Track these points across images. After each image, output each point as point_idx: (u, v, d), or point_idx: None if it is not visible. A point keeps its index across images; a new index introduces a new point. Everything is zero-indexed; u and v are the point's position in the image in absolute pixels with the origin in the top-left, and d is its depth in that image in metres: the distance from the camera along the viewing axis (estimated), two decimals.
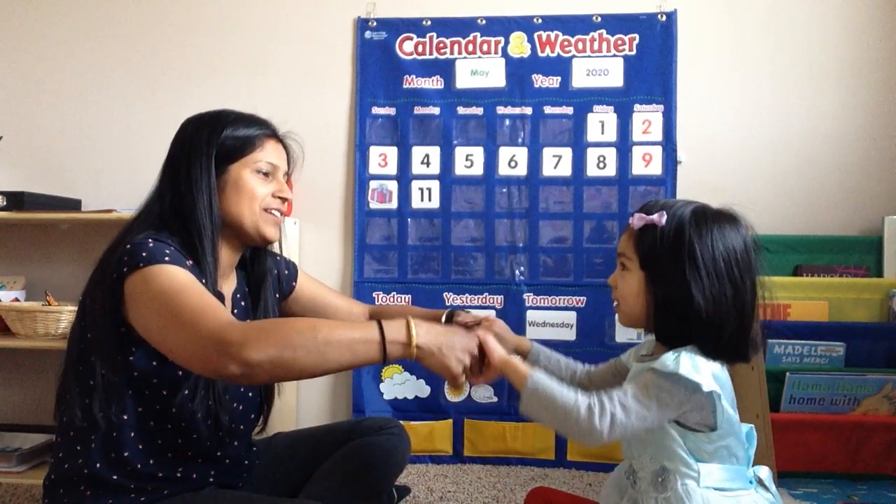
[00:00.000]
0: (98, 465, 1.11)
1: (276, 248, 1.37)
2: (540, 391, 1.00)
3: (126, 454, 1.12)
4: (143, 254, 1.06)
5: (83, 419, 1.11)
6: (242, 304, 1.32)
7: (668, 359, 0.96)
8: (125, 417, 1.12)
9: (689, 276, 0.97)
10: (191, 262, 1.12)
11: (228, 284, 1.29)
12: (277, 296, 1.41)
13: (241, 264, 1.34)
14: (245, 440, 1.32)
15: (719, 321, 0.97)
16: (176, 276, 1.05)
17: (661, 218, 1.02)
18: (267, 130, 1.28)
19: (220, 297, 1.20)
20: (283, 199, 1.27)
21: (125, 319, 1.08)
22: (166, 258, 1.07)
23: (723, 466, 1.00)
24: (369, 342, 1.01)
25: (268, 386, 1.36)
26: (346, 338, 0.99)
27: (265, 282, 1.35)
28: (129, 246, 1.08)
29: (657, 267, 1.01)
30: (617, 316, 1.11)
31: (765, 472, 1.06)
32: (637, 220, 1.04)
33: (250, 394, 1.29)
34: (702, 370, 0.96)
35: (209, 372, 0.99)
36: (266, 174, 1.25)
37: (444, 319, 1.35)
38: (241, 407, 1.26)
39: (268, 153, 1.25)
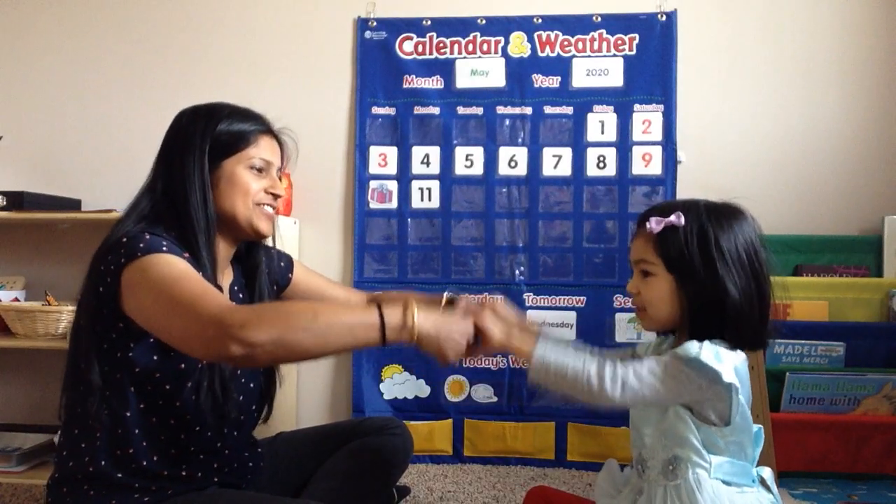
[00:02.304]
0: (103, 462, 1.11)
1: (269, 242, 1.37)
2: (548, 360, 1.01)
3: (130, 451, 1.12)
4: (141, 244, 1.06)
5: (86, 416, 1.12)
6: (240, 296, 1.32)
7: (692, 345, 0.97)
8: (128, 414, 1.12)
9: (722, 272, 0.99)
10: (187, 255, 1.12)
11: (225, 278, 1.29)
12: (275, 288, 1.41)
13: (237, 258, 1.34)
14: (247, 433, 1.32)
15: (749, 311, 1.00)
16: (174, 264, 1.05)
17: (679, 219, 1.02)
18: (262, 126, 1.27)
19: (219, 290, 1.20)
20: (276, 196, 1.27)
21: (123, 313, 1.08)
22: (164, 248, 1.07)
23: (732, 461, 1.01)
24: (369, 326, 1.01)
25: (269, 376, 1.36)
26: (346, 321, 1.00)
27: (258, 274, 1.35)
28: (125, 239, 1.08)
29: (686, 267, 1.02)
30: (640, 322, 1.11)
31: (767, 472, 1.07)
32: (655, 224, 1.03)
33: (251, 384, 1.29)
34: (724, 361, 0.97)
35: (210, 354, 0.99)
36: (260, 170, 1.25)
37: (443, 303, 1.34)
38: (242, 398, 1.26)
39: (262, 149, 1.25)
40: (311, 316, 0.98)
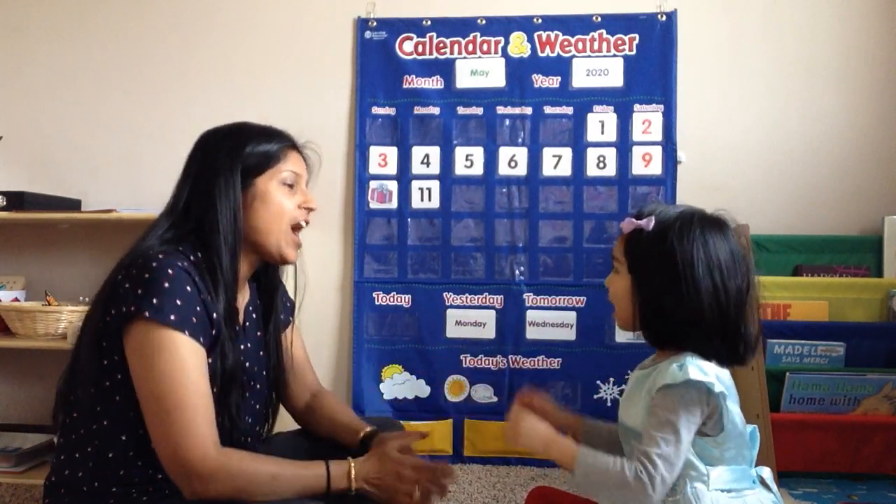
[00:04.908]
0: (96, 484, 1.11)
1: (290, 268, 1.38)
2: (589, 471, 1.00)
3: (122, 472, 1.12)
4: (154, 300, 1.06)
5: (80, 426, 1.12)
6: (254, 316, 1.32)
7: (675, 371, 0.98)
8: (123, 438, 1.11)
9: (669, 280, 1.00)
10: (200, 277, 1.13)
11: (242, 297, 1.29)
12: (282, 316, 1.42)
13: (254, 277, 1.34)
14: (250, 449, 1.32)
15: (701, 324, 0.99)
16: (178, 359, 1.06)
17: (648, 223, 1.04)
18: (287, 142, 1.29)
19: (235, 311, 1.20)
20: (310, 210, 1.29)
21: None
22: (172, 317, 1.06)
23: (730, 468, 1.01)
24: (318, 488, 1.13)
25: (274, 399, 1.38)
26: (299, 484, 1.11)
27: (277, 296, 1.36)
28: (147, 275, 1.07)
29: (641, 270, 1.05)
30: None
31: (766, 472, 1.07)
32: (626, 225, 1.07)
33: (258, 406, 1.30)
34: (709, 372, 0.98)
35: (168, 473, 1.06)
36: (290, 185, 1.26)
37: (360, 438, 1.32)
38: (249, 419, 1.26)
39: (290, 164, 1.26)
40: (270, 481, 1.09)
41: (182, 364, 1.06)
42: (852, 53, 2.25)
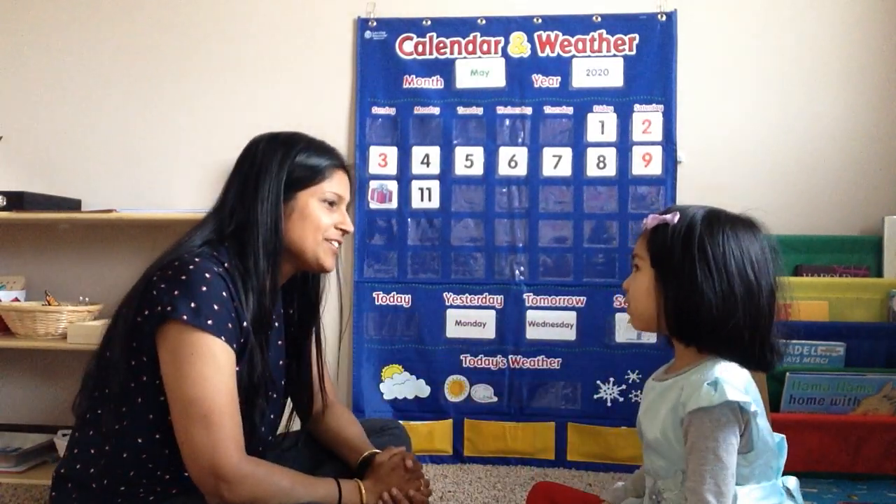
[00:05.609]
0: (105, 481, 1.11)
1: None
2: None
3: (132, 473, 1.12)
4: (192, 304, 1.06)
5: (99, 423, 1.12)
6: (276, 324, 1.31)
7: (709, 393, 0.94)
8: (139, 441, 1.11)
9: (699, 271, 0.97)
10: (233, 284, 1.13)
11: None
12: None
13: (284, 285, 1.34)
14: (262, 458, 1.32)
15: (730, 319, 0.97)
16: (214, 364, 1.06)
17: (673, 217, 1.02)
18: (336, 161, 1.30)
19: (268, 320, 1.21)
20: (344, 232, 1.29)
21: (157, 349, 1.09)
22: (209, 322, 1.06)
23: (760, 486, 0.98)
24: (330, 501, 1.17)
25: (283, 410, 1.39)
26: (314, 494, 1.14)
27: (318, 309, 1.38)
28: (184, 277, 1.07)
29: (667, 263, 1.01)
30: (629, 321, 1.10)
31: (792, 482, 1.05)
32: (651, 220, 1.05)
33: (272, 416, 1.31)
34: (740, 387, 0.95)
35: (194, 480, 1.07)
36: (331, 204, 1.26)
37: (360, 460, 1.34)
38: (263, 428, 1.26)
39: (335, 184, 1.27)
40: (290, 490, 1.11)
41: (218, 369, 1.06)
42: (852, 53, 2.25)
